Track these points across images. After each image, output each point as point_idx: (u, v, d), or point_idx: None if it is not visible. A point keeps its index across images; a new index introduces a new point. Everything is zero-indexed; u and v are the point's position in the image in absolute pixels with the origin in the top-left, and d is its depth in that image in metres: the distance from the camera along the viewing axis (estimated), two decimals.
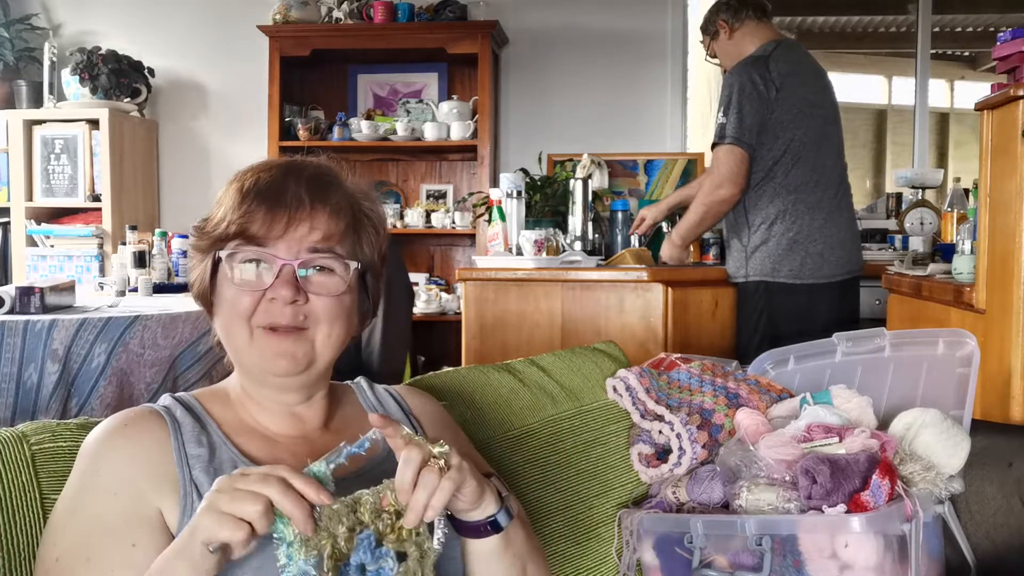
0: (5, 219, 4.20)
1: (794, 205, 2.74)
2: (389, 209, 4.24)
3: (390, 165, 4.53)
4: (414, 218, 4.25)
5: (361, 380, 1.21)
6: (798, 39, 4.88)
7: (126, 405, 1.78)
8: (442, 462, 0.88)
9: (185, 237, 3.28)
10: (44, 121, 4.21)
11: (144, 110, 4.46)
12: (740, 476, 1.29)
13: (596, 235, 3.25)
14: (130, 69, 4.23)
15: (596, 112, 4.31)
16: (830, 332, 1.61)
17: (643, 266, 2.86)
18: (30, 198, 4.21)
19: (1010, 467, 1.36)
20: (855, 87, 6.59)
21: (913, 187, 3.82)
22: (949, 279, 2.12)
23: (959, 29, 6.24)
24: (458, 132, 4.15)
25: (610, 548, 1.43)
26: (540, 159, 3.87)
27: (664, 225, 3.25)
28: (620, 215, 3.30)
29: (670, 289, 2.73)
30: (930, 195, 3.84)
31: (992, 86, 1.92)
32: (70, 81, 4.24)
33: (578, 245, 3.10)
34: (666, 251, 2.97)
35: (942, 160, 6.46)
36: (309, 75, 4.44)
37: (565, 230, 3.16)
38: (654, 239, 3.27)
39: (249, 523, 0.82)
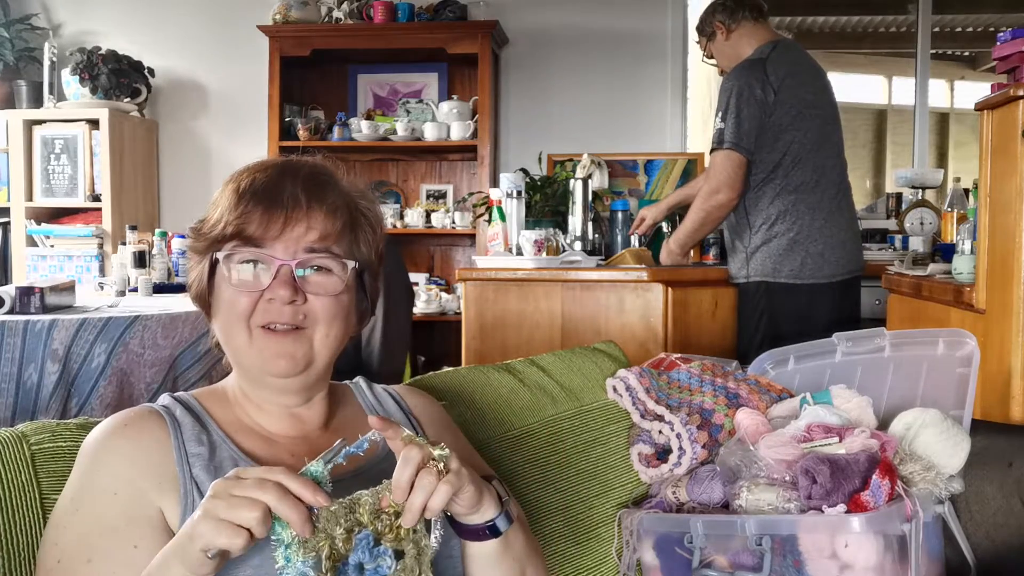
0: (5, 219, 4.20)
1: (794, 205, 2.73)
2: (389, 209, 4.25)
3: (390, 165, 4.53)
4: (414, 218, 4.25)
5: (360, 380, 1.20)
6: (797, 39, 4.89)
7: (126, 405, 1.78)
8: (441, 465, 0.88)
9: (185, 237, 3.27)
10: (44, 121, 4.21)
11: (144, 110, 4.45)
12: (740, 476, 1.29)
13: (596, 235, 3.25)
14: (130, 69, 4.23)
15: (596, 112, 4.31)
16: (830, 332, 1.61)
17: (643, 266, 2.86)
18: (30, 198, 4.21)
19: (1010, 467, 1.36)
20: (855, 87, 6.58)
21: (913, 187, 3.82)
22: (949, 279, 2.11)
23: (959, 29, 6.24)
24: (458, 132, 4.15)
25: (610, 548, 1.43)
26: (540, 159, 3.87)
27: (664, 225, 3.25)
28: (620, 215, 3.30)
29: (670, 289, 2.73)
30: (930, 195, 3.84)
31: (992, 86, 1.92)
32: (70, 81, 4.24)
33: (578, 245, 3.10)
34: (665, 259, 2.98)
35: (942, 160, 6.46)
36: (309, 75, 4.44)
37: (565, 230, 3.16)
38: (654, 239, 3.26)
39: (247, 529, 0.81)
